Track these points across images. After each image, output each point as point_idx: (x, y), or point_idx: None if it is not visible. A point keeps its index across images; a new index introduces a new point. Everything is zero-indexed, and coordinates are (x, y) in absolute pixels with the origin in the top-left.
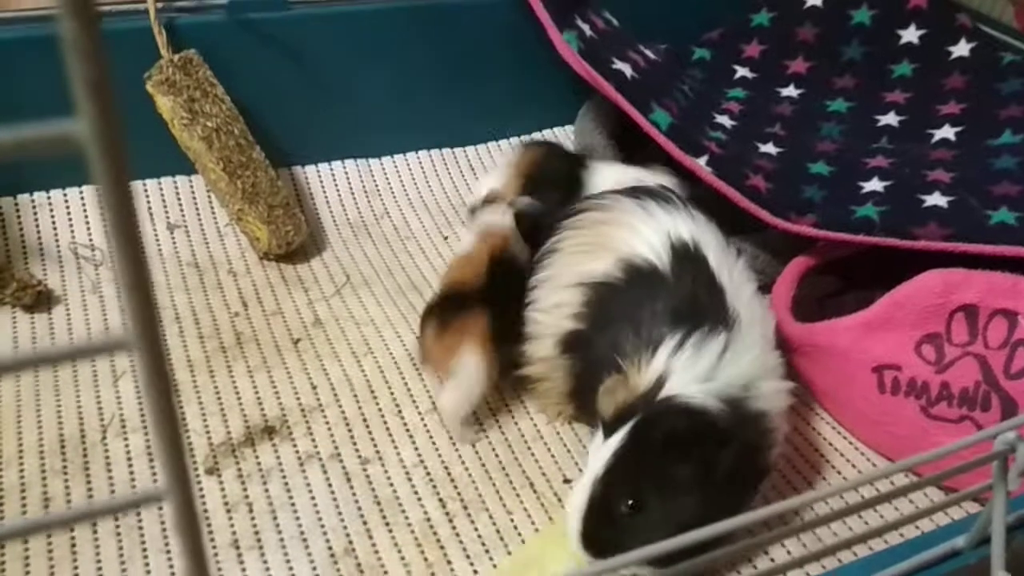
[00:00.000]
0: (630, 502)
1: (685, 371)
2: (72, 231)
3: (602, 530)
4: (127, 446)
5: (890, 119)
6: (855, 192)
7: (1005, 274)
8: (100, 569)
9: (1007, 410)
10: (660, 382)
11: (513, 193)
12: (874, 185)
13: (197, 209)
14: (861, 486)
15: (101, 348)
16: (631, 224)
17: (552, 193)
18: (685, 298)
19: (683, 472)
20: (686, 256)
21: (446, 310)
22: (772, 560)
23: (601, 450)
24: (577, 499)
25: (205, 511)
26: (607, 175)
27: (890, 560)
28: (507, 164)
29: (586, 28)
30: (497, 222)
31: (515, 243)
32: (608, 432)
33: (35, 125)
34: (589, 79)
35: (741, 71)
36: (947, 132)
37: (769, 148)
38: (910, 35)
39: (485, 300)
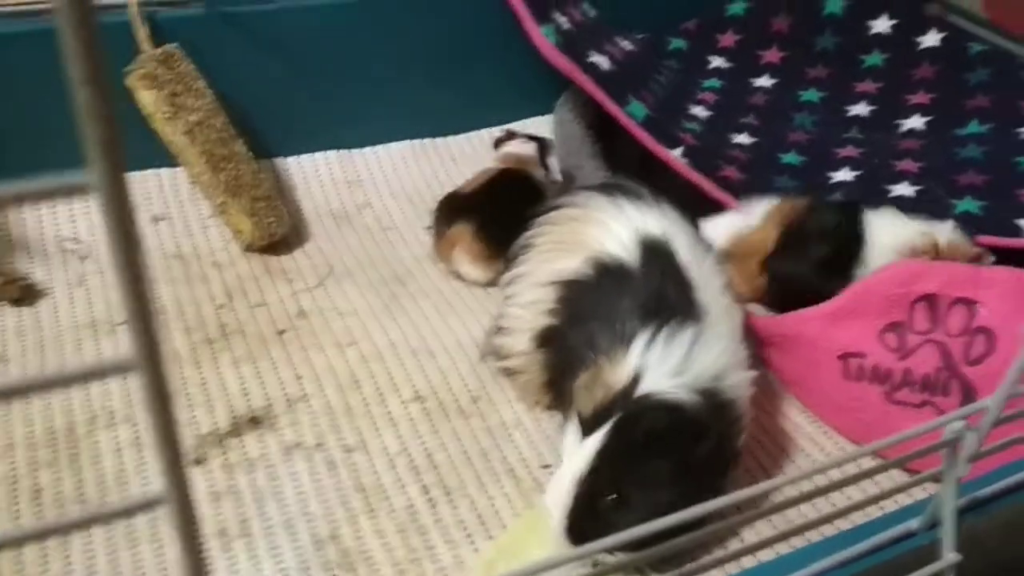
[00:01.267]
0: (614, 497)
1: (659, 366)
2: (57, 225)
3: (587, 524)
4: (115, 438)
5: (860, 109)
6: (825, 182)
7: (965, 264)
8: (91, 557)
9: (966, 395)
10: (636, 379)
11: (769, 243)
12: (844, 175)
13: (180, 201)
14: (829, 469)
15: (107, 371)
16: (602, 221)
17: (817, 248)
18: (654, 293)
19: (664, 467)
20: (655, 252)
21: (443, 217)
22: (743, 541)
23: (582, 447)
24: (560, 494)
25: None
26: (886, 232)
27: (849, 541)
28: (768, 211)
29: (563, 21)
30: (516, 151)
31: (534, 167)
32: (587, 429)
33: (51, 176)
34: (567, 72)
35: (716, 61)
36: (916, 122)
37: (743, 138)
38: (881, 25)
39: (477, 209)
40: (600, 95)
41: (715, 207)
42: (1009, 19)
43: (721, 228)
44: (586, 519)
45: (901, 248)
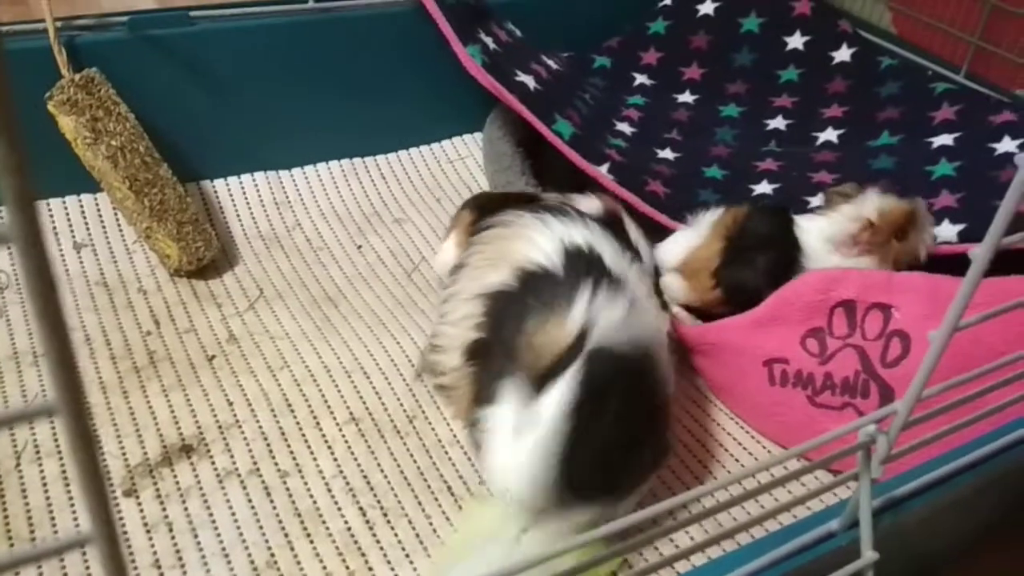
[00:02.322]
0: (597, 438)
1: (604, 318)
2: None
3: (582, 467)
4: (42, 472)
5: (778, 123)
6: (746, 195)
7: (879, 271)
8: None
9: (884, 396)
10: (585, 330)
11: (715, 255)
12: (764, 188)
13: (104, 227)
14: (757, 473)
15: (29, 414)
16: (528, 236)
17: (759, 254)
18: (584, 272)
19: (631, 405)
20: (579, 256)
21: (472, 200)
22: (677, 547)
23: (543, 404)
24: (532, 456)
25: (125, 533)
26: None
27: (775, 543)
28: (712, 223)
29: (489, 41)
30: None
31: None
32: (538, 386)
33: None
34: (494, 91)
35: (640, 78)
36: (830, 135)
37: (667, 153)
38: (796, 41)
39: (481, 209)
40: (527, 114)
41: (643, 222)
42: (917, 34)
43: (672, 246)
44: (582, 471)
45: (836, 241)
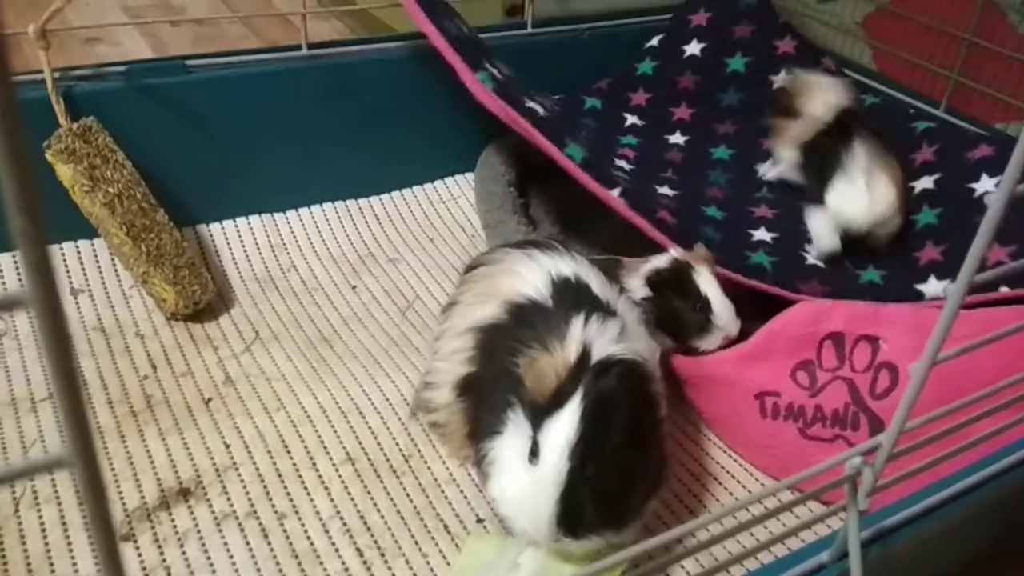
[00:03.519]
0: (612, 456)
1: (602, 337)
2: None
3: (604, 481)
4: (40, 518)
5: (768, 168)
6: (746, 239)
7: (867, 303)
8: None
9: (874, 428)
10: (587, 350)
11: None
12: (762, 235)
13: (101, 273)
14: (750, 504)
15: (42, 466)
16: (515, 271)
17: None
18: (573, 301)
19: (639, 418)
20: (567, 287)
21: None
22: None
23: (552, 429)
24: (547, 493)
25: None
26: None
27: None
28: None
29: (495, 71)
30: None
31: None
32: (543, 414)
33: None
34: (504, 116)
35: (631, 119)
36: None
37: (666, 190)
38: (782, 80)
39: None
40: (539, 137)
41: (653, 246)
42: (897, 71)
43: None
44: (596, 482)
45: None
